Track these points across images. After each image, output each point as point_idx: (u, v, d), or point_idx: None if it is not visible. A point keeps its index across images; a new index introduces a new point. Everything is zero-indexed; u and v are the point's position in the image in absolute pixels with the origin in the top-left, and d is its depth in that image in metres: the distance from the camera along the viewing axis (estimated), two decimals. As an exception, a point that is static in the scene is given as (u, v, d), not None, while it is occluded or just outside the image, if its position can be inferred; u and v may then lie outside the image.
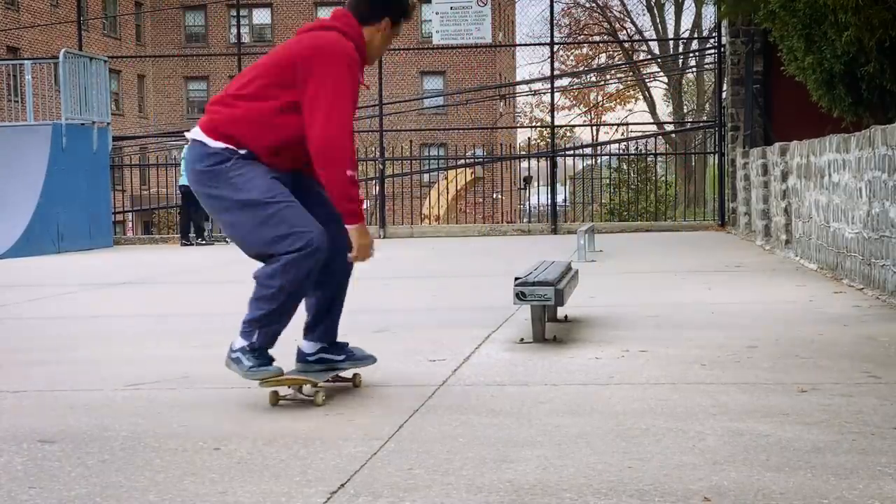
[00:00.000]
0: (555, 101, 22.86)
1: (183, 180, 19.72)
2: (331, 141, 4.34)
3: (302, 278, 4.38)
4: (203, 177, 4.46)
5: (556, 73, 23.83)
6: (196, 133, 4.51)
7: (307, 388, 4.57)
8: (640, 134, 28.79)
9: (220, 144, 4.43)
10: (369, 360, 4.91)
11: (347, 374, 4.87)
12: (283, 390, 4.55)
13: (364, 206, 4.82)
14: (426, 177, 30.99)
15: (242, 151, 4.42)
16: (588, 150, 30.05)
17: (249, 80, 4.51)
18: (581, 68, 48.08)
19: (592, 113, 51.65)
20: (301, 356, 4.75)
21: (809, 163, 11.06)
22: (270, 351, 4.52)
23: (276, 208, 4.36)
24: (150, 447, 3.84)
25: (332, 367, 4.75)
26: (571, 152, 26.44)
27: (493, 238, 19.29)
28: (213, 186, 4.44)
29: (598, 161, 29.44)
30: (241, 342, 4.46)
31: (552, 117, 22.49)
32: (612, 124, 39.89)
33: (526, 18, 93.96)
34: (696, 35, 43.56)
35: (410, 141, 25.58)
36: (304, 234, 4.35)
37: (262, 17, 51.01)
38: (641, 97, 48.82)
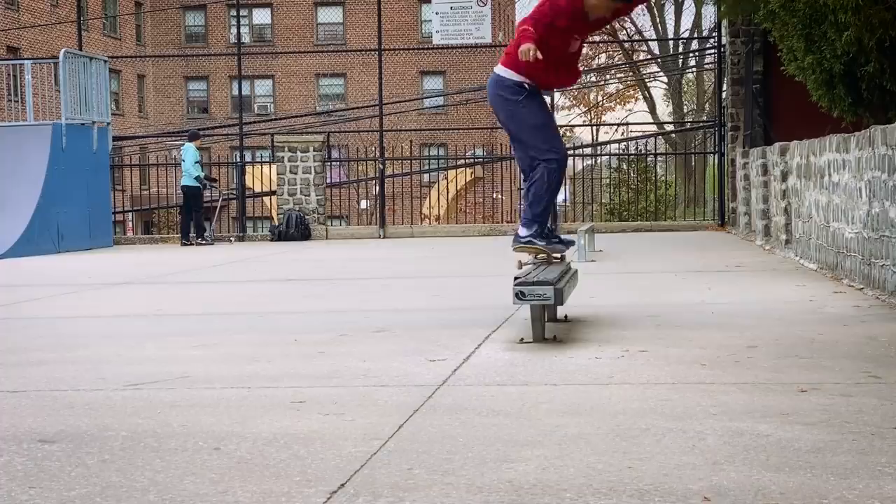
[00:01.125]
0: (555, 101, 22.87)
1: (185, 180, 19.67)
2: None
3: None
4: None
5: (556, 73, 23.79)
6: None
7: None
8: (640, 134, 28.81)
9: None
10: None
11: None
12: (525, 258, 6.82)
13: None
14: (426, 177, 30.99)
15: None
16: (588, 150, 30.06)
17: None
18: (581, 68, 48.09)
19: (592, 113, 51.66)
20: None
21: (809, 163, 11.05)
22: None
23: None
24: (150, 447, 3.84)
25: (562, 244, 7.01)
26: (571, 152, 26.44)
27: (494, 238, 19.28)
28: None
29: (598, 161, 29.45)
30: (525, 231, 6.82)
31: (552, 117, 22.46)
32: (612, 124, 39.92)
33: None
34: (696, 35, 43.59)
35: (410, 141, 25.62)
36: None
37: (262, 17, 51.02)
38: (641, 97, 48.85)
